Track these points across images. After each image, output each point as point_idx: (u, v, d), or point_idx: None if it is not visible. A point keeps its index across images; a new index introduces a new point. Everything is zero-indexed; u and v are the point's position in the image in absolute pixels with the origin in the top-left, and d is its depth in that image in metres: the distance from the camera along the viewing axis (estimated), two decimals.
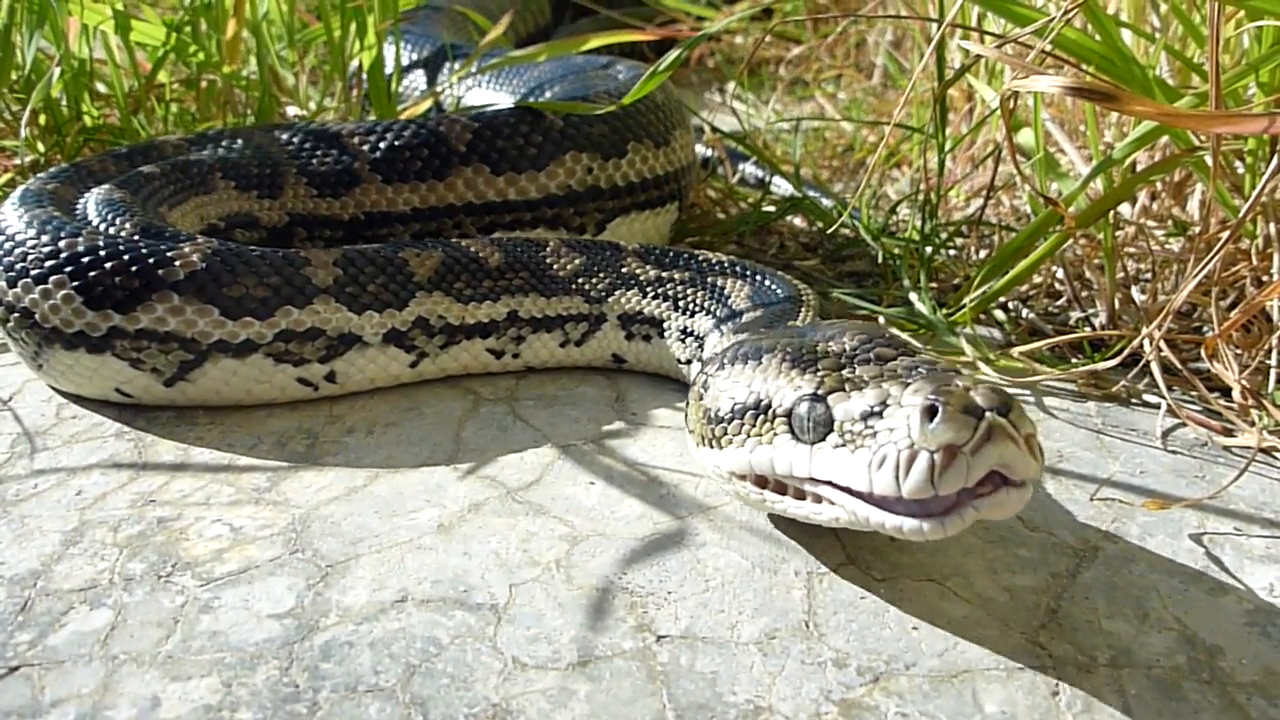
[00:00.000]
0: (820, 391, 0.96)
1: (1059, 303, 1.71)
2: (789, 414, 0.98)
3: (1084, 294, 1.68)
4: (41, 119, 1.84)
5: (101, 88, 2.02)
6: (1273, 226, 1.43)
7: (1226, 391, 1.41)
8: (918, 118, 2.31)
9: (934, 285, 1.76)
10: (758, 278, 1.43)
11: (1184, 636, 0.98)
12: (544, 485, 1.17)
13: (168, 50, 1.96)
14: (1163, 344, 1.39)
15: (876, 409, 0.92)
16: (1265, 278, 1.45)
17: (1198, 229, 1.53)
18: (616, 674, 0.88)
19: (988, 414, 0.86)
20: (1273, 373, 1.36)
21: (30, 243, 1.27)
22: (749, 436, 1.01)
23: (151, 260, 1.23)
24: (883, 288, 1.75)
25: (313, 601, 0.95)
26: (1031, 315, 1.68)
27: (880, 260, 1.80)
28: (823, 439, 0.95)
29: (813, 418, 0.95)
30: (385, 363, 1.35)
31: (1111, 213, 1.52)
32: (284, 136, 1.60)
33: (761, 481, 1.02)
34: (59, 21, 1.80)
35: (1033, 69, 1.28)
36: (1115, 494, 1.20)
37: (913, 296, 1.63)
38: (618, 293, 1.44)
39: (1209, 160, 1.31)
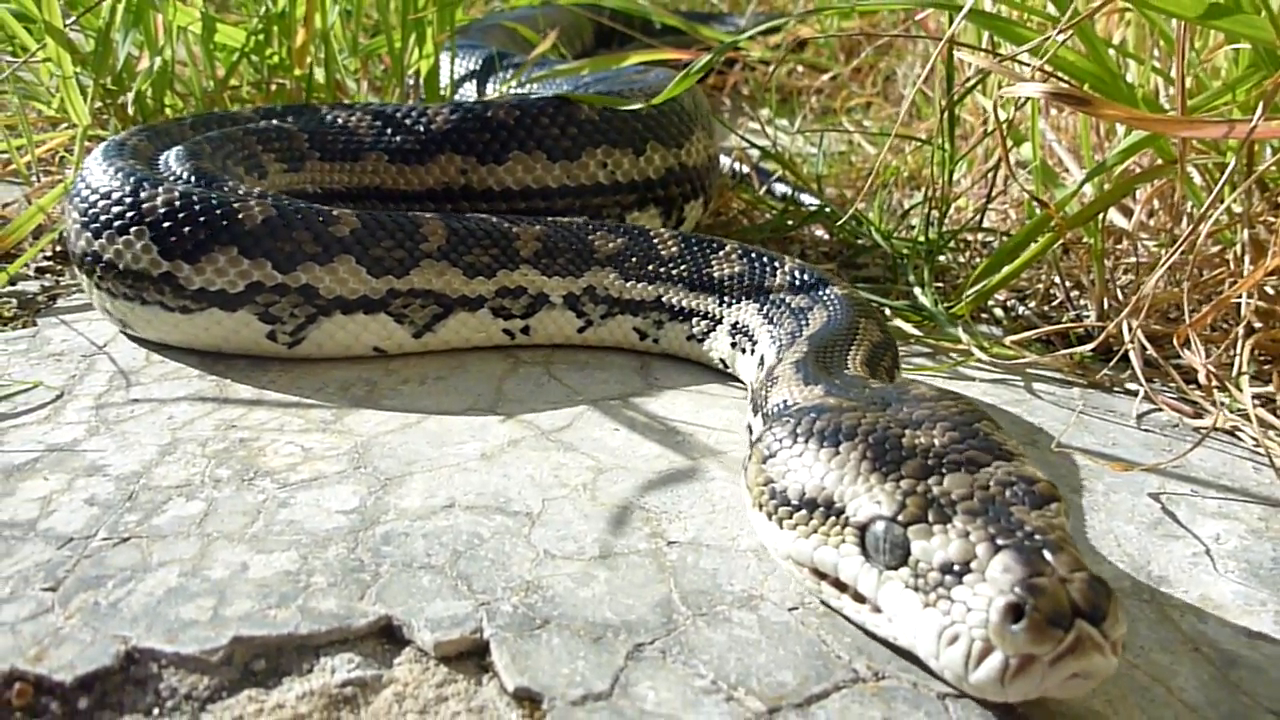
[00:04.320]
0: (901, 518, 0.89)
1: (1055, 304, 1.86)
2: (863, 529, 0.91)
3: (1076, 295, 1.82)
4: (131, 110, 2.03)
5: (179, 87, 2.21)
6: (1246, 233, 1.57)
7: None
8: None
9: (939, 285, 1.91)
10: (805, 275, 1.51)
11: (1133, 567, 1.12)
12: (574, 429, 1.32)
13: (245, 53, 2.15)
14: (1140, 334, 1.54)
15: (958, 567, 0.85)
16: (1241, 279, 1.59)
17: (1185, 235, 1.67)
18: (632, 566, 1.03)
19: (1077, 623, 0.79)
20: (1237, 360, 1.49)
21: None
22: (815, 531, 0.95)
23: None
24: (892, 287, 1.90)
25: (374, 503, 1.11)
26: (1027, 312, 1.82)
27: (891, 264, 1.96)
28: (895, 568, 0.89)
29: (889, 540, 0.89)
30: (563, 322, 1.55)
31: (1105, 223, 1.66)
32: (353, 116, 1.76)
33: (819, 573, 0.96)
34: (150, 25, 2.00)
35: (1020, 78, 1.43)
36: (1086, 460, 1.34)
37: (917, 291, 1.78)
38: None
39: (1193, 169, 1.45)
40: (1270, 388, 1.47)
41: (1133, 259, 1.84)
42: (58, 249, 1.88)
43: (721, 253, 1.57)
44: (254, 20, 2.25)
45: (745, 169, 2.49)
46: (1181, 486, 1.31)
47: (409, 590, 0.96)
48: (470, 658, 0.90)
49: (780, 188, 2.45)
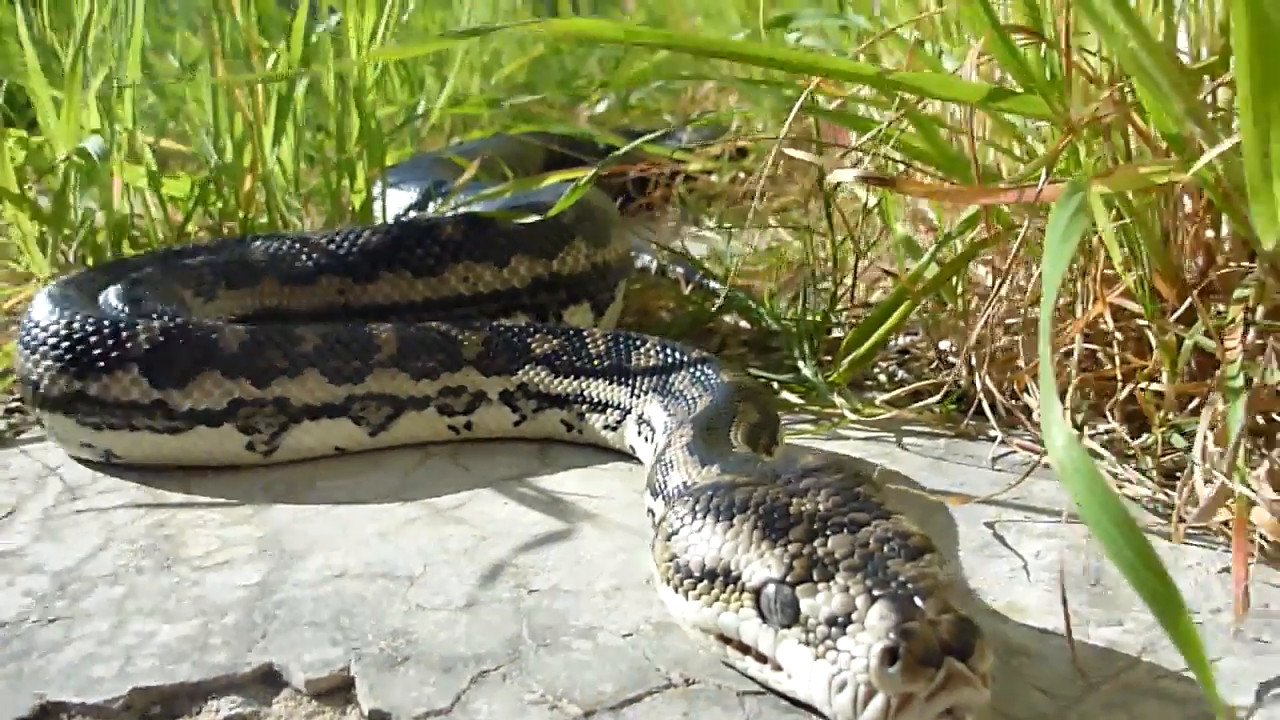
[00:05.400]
0: (789, 579, 0.97)
1: (932, 365, 2.02)
2: (757, 592, 0.99)
3: (947, 355, 1.99)
4: (89, 260, 2.24)
5: (138, 234, 2.43)
6: (1079, 284, 1.74)
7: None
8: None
9: (829, 357, 2.08)
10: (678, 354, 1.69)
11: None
12: (467, 506, 1.49)
13: (195, 202, 2.37)
14: (990, 383, 1.70)
15: (841, 619, 0.93)
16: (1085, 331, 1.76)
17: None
18: (491, 612, 1.18)
19: (946, 661, 0.87)
20: (1068, 398, 1.65)
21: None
22: (716, 599, 1.03)
23: None
24: (782, 362, 2.07)
25: (274, 577, 1.27)
26: (907, 375, 1.99)
27: (786, 343, 2.13)
28: (788, 626, 0.97)
29: (780, 600, 0.97)
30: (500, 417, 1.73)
31: (964, 286, 1.84)
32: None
33: (724, 639, 1.04)
34: (105, 182, 2.22)
35: (839, 165, 1.63)
36: (936, 499, 1.48)
37: (800, 365, 1.96)
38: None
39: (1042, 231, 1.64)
40: (1111, 424, 1.63)
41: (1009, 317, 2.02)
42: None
43: (642, 349, 1.73)
44: (203, 172, 2.48)
45: (667, 269, 2.69)
46: (1016, 515, 1.46)
47: (291, 642, 1.12)
48: (338, 693, 1.05)
49: (714, 284, 2.64)
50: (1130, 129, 1.55)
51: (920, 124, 1.75)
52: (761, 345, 2.31)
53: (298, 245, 1.93)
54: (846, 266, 2.15)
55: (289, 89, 2.35)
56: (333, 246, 1.91)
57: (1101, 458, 1.58)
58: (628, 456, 1.67)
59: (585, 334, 1.77)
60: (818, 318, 2.10)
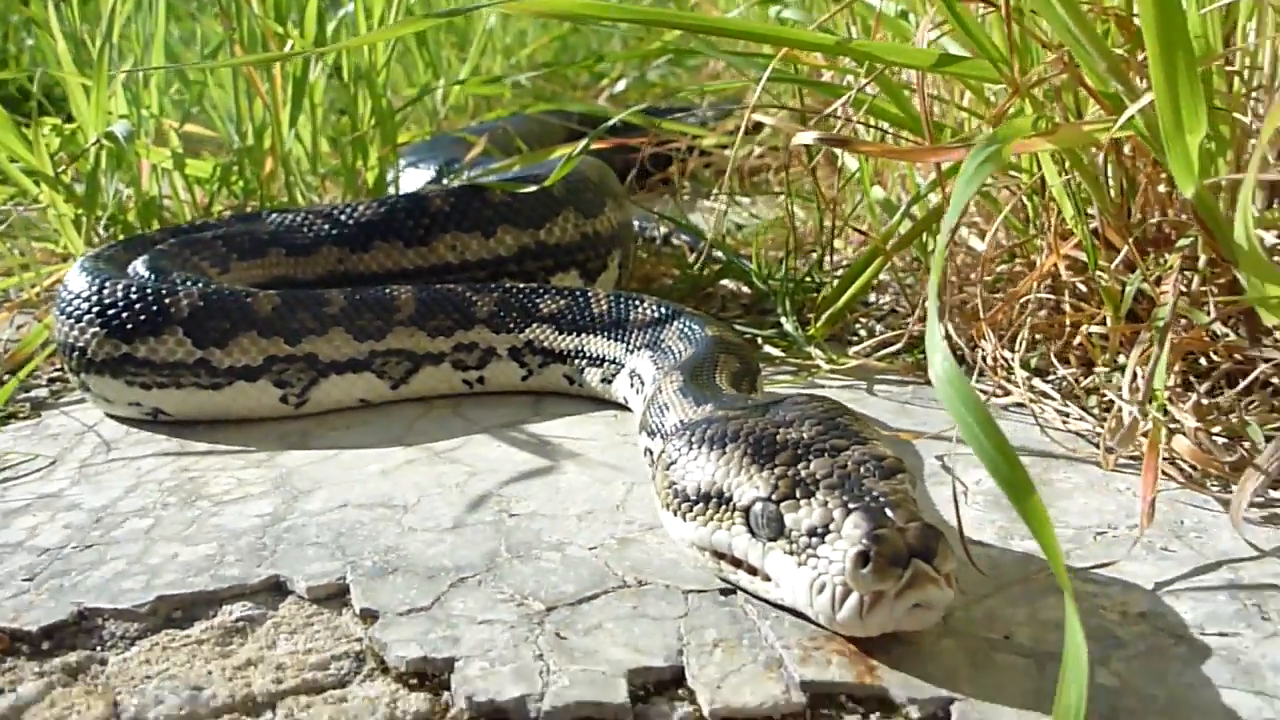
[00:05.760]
0: (774, 497, 1.08)
1: (907, 321, 2.14)
2: (746, 510, 1.10)
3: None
4: (121, 237, 2.40)
5: (166, 215, 2.59)
6: (1047, 249, 1.85)
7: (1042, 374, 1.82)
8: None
9: (813, 314, 2.21)
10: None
11: None
12: (462, 449, 1.63)
13: (218, 182, 2.52)
14: (953, 333, 1.82)
15: (820, 529, 1.04)
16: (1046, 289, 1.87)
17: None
18: (475, 532, 1.33)
19: (913, 562, 0.98)
20: (1020, 346, 1.76)
21: None
22: (710, 519, 1.14)
23: None
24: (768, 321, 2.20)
25: (284, 509, 1.42)
26: (883, 330, 2.11)
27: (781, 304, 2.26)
28: (774, 539, 1.08)
29: (766, 516, 1.08)
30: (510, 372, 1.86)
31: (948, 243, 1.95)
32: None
33: (718, 554, 1.16)
34: (134, 165, 2.38)
35: (798, 128, 1.75)
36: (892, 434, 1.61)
37: (783, 321, 2.08)
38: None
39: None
40: (1063, 368, 1.74)
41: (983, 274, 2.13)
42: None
43: (640, 307, 1.85)
44: (228, 155, 2.64)
45: (670, 238, 2.82)
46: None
47: (296, 559, 1.27)
48: (335, 598, 1.20)
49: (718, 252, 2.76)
50: (1084, 90, 1.66)
51: (889, 89, 1.87)
52: (756, 307, 2.43)
53: (301, 219, 2.08)
54: (840, 231, 2.27)
55: (303, 72, 2.49)
56: (331, 219, 2.06)
57: (1052, 398, 1.70)
58: (618, 407, 1.81)
59: (590, 294, 1.90)
60: (802, 279, 2.22)
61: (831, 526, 1.03)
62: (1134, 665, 1.03)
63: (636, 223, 2.90)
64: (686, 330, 1.75)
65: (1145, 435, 1.39)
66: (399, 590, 1.18)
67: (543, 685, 1.01)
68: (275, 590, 1.22)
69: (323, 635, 1.13)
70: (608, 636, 1.08)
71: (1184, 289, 1.62)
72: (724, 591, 1.17)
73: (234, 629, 1.15)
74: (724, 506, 1.13)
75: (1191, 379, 1.57)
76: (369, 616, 1.14)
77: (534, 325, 1.86)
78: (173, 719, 1.00)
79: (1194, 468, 1.44)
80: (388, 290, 1.86)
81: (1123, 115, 1.42)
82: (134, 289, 1.76)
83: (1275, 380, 1.53)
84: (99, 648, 1.13)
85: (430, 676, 1.05)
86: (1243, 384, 1.50)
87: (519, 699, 0.99)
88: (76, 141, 2.35)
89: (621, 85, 4.91)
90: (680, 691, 1.02)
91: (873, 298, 2.28)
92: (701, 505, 1.15)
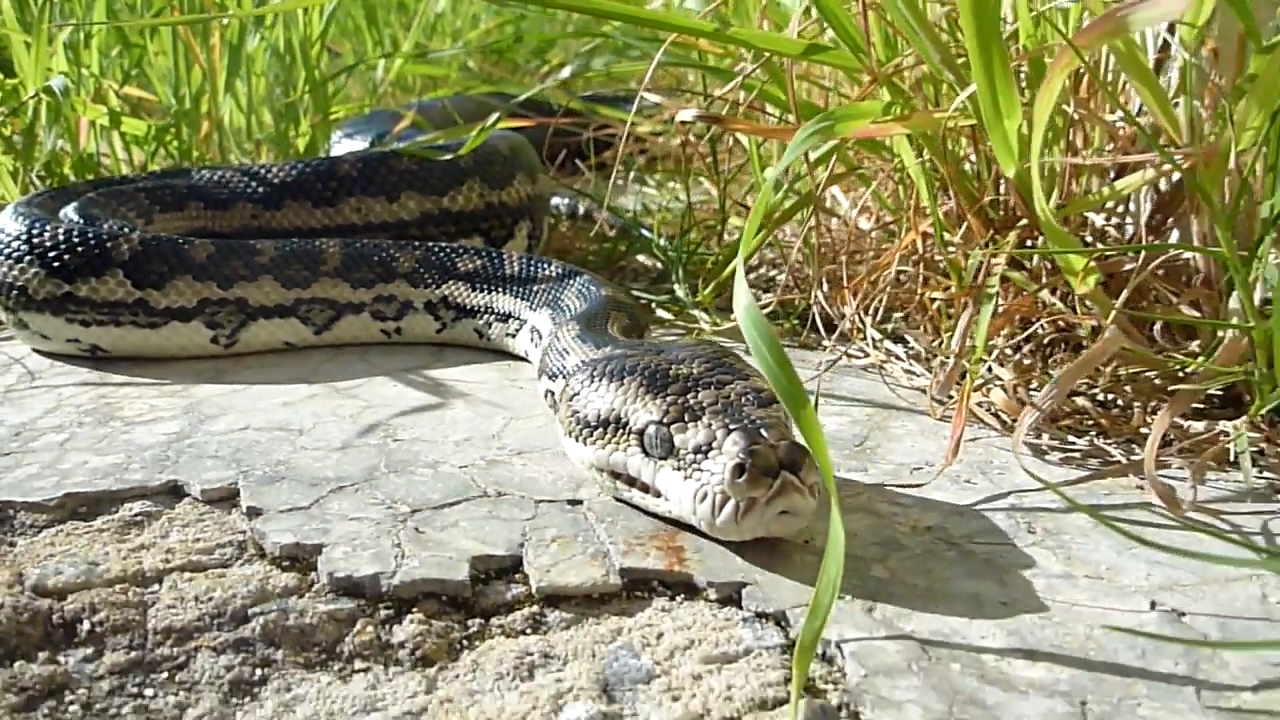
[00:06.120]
0: (665, 421, 1.23)
1: (789, 289, 2.32)
2: (641, 433, 1.25)
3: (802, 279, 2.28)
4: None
5: (104, 173, 2.71)
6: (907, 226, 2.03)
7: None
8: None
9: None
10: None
11: None
12: (362, 387, 1.78)
13: (155, 142, 2.65)
14: (823, 301, 1.99)
15: (704, 447, 1.19)
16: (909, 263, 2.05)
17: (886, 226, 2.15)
18: (360, 452, 1.48)
19: (782, 474, 1.14)
20: (873, 311, 1.94)
21: None
22: (609, 442, 1.29)
23: None
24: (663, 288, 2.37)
25: (191, 429, 1.56)
26: (768, 298, 2.28)
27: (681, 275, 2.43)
28: (665, 458, 1.23)
29: (659, 438, 1.23)
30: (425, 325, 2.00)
31: (819, 220, 2.13)
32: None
33: (615, 474, 1.31)
34: (72, 121, 2.50)
35: (682, 106, 1.91)
36: None
37: (676, 288, 2.25)
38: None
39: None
40: (914, 336, 1.92)
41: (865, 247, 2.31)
42: None
43: (546, 269, 2.01)
44: (166, 118, 2.76)
45: (590, 214, 2.97)
46: (823, 401, 1.75)
47: (195, 469, 1.41)
48: (226, 500, 1.34)
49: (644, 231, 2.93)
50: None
51: (774, 75, 2.03)
52: (663, 277, 2.60)
53: (220, 177, 2.22)
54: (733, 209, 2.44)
55: (239, 40, 2.62)
56: (248, 179, 2.20)
57: (900, 359, 1.88)
58: (516, 358, 1.96)
59: (505, 256, 2.05)
60: (694, 250, 2.39)
61: (714, 444, 1.18)
62: (907, 564, 1.20)
63: (566, 200, 3.07)
64: (584, 290, 1.91)
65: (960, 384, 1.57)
66: (283, 494, 1.34)
67: (395, 566, 1.16)
68: (173, 493, 1.36)
69: (211, 529, 1.28)
70: (461, 533, 1.24)
71: (1026, 263, 1.80)
72: (571, 502, 1.33)
73: (133, 522, 1.29)
74: (621, 431, 1.27)
75: (1021, 343, 1.76)
76: (254, 513, 1.29)
77: (450, 282, 2.01)
78: (70, 586, 1.14)
79: (1008, 417, 1.62)
80: (317, 243, 2.01)
81: (954, 102, 1.60)
82: (75, 233, 1.89)
83: (1090, 343, 1.72)
84: (9, 534, 1.27)
85: (300, 560, 1.20)
86: (1066, 347, 1.69)
87: (373, 575, 1.15)
88: (17, 96, 2.46)
89: (566, 72, 5.06)
90: (517, 576, 1.18)
91: (766, 270, 2.45)
92: (601, 430, 1.29)
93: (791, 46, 1.78)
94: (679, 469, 1.21)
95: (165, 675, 1.04)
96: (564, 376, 1.51)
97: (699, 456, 1.19)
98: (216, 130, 2.70)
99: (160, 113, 3.28)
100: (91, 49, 2.59)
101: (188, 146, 2.73)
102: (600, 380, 1.33)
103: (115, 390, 1.76)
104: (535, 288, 1.97)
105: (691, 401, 1.24)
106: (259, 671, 1.04)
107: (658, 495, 1.25)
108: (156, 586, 1.15)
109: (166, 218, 2.12)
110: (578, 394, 1.35)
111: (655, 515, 1.29)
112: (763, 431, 1.19)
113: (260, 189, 2.19)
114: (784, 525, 1.18)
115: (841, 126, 1.46)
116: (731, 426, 1.19)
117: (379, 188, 2.21)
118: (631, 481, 1.28)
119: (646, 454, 1.25)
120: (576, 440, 1.34)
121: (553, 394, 1.57)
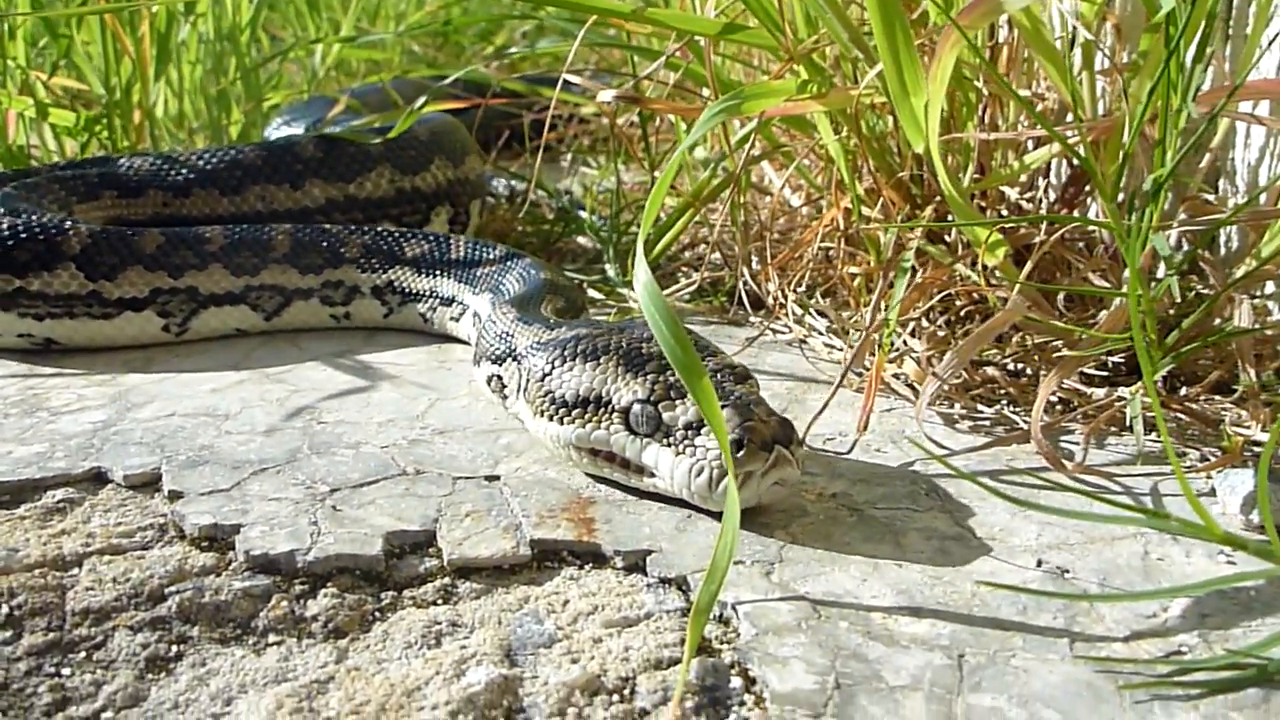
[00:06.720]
0: (652, 399, 1.27)
1: (719, 267, 2.36)
2: (626, 411, 1.28)
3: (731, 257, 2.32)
4: None
5: (34, 163, 2.70)
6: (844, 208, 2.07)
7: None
8: None
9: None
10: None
11: None
12: (291, 372, 1.80)
13: (85, 133, 2.64)
14: (749, 279, 2.03)
15: (697, 425, 1.23)
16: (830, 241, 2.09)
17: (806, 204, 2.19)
18: (284, 435, 1.50)
19: (776, 447, 1.19)
20: (796, 287, 1.98)
21: None
22: (588, 421, 1.31)
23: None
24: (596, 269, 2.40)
25: (117, 417, 1.58)
26: (700, 275, 2.32)
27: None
28: (651, 435, 1.26)
29: (645, 416, 1.26)
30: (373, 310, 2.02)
31: (743, 200, 2.17)
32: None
33: (594, 451, 1.33)
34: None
35: (604, 86, 1.94)
36: None
37: (607, 268, 2.28)
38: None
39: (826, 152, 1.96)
40: (834, 310, 1.97)
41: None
42: None
43: (490, 254, 2.02)
44: (97, 108, 2.75)
45: (524, 195, 2.99)
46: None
47: (119, 455, 1.43)
48: (149, 485, 1.37)
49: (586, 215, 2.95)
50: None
51: (696, 54, 2.07)
52: (599, 258, 2.63)
53: (131, 166, 2.23)
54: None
55: (168, 29, 2.62)
56: (156, 167, 2.21)
57: (820, 332, 1.93)
58: (446, 339, 1.99)
59: (451, 241, 2.06)
60: (625, 230, 2.42)
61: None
62: (809, 529, 1.24)
63: (509, 183, 3.09)
64: (524, 274, 1.94)
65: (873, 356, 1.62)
66: (205, 478, 1.36)
67: (311, 543, 1.19)
68: (96, 479, 1.38)
69: (133, 513, 1.30)
70: (377, 509, 1.27)
71: (945, 237, 1.85)
72: (488, 478, 1.37)
73: (55, 509, 1.31)
74: (602, 410, 1.30)
75: (937, 315, 1.81)
76: (175, 497, 1.32)
77: (397, 267, 2.03)
78: None
79: (921, 387, 1.67)
80: (266, 229, 2.02)
81: (864, 80, 1.64)
82: (21, 227, 1.89)
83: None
84: None
85: (219, 540, 1.23)
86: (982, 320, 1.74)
87: (289, 553, 1.17)
88: None
89: (504, 57, 5.06)
90: (430, 550, 1.21)
91: (700, 249, 2.48)
92: (579, 409, 1.32)
93: (708, 26, 1.81)
94: (669, 445, 1.25)
95: (83, 655, 1.06)
96: (514, 359, 1.53)
97: (692, 433, 1.23)
98: (148, 119, 2.69)
99: (92, 102, 3.26)
100: (18, 40, 2.58)
101: (119, 136, 2.72)
102: (573, 360, 1.36)
103: (43, 381, 1.77)
104: (478, 272, 1.99)
105: (672, 379, 1.27)
106: (174, 648, 1.07)
107: (640, 470, 1.29)
108: (76, 570, 1.18)
109: (84, 208, 2.12)
110: (549, 374, 1.37)
111: (638, 490, 1.32)
112: (753, 406, 1.23)
113: (171, 176, 2.20)
114: (773, 495, 1.24)
115: (751, 105, 1.49)
116: (723, 403, 1.21)
117: (283, 176, 2.23)
118: (611, 458, 1.31)
119: (632, 431, 1.28)
120: (550, 420, 1.36)
121: (499, 378, 1.58)
